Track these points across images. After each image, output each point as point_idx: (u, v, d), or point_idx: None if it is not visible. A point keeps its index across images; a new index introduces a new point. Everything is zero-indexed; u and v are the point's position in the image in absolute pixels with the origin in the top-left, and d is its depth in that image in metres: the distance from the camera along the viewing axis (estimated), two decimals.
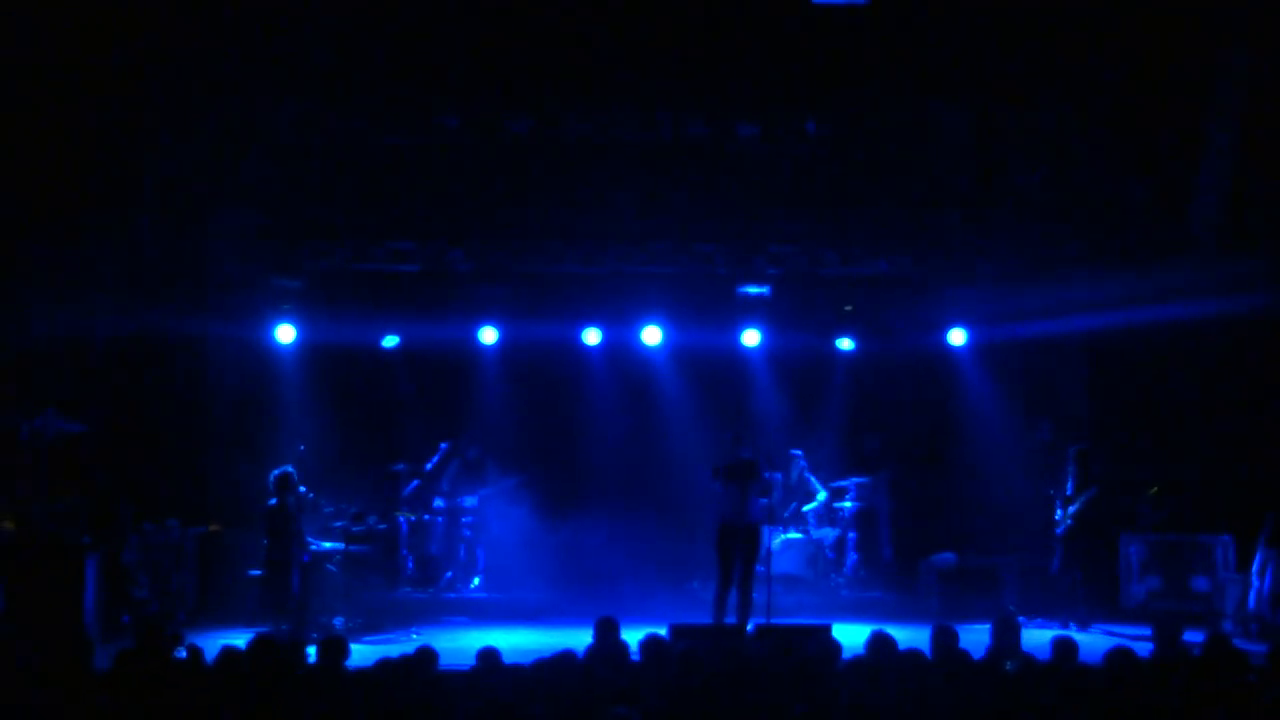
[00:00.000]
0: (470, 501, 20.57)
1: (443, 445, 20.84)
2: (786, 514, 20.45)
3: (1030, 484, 20.34)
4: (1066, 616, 18.37)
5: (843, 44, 18.48)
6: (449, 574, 20.48)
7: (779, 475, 20.71)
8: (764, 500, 17.67)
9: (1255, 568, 17.69)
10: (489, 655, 11.35)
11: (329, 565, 17.97)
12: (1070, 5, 18.35)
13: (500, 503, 20.73)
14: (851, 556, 20.92)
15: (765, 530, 19.41)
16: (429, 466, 20.73)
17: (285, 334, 20.88)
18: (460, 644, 15.82)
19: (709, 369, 22.14)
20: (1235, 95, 17.73)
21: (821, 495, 20.78)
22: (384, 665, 10.88)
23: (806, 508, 20.71)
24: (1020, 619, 14.55)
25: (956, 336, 21.66)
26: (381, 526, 19.85)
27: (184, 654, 12.06)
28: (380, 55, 18.19)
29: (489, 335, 21.52)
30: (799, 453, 20.99)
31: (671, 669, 11.43)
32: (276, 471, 17.86)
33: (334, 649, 11.55)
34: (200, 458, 20.23)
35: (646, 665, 11.87)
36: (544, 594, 19.72)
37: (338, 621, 17.55)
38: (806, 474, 20.92)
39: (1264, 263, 19.49)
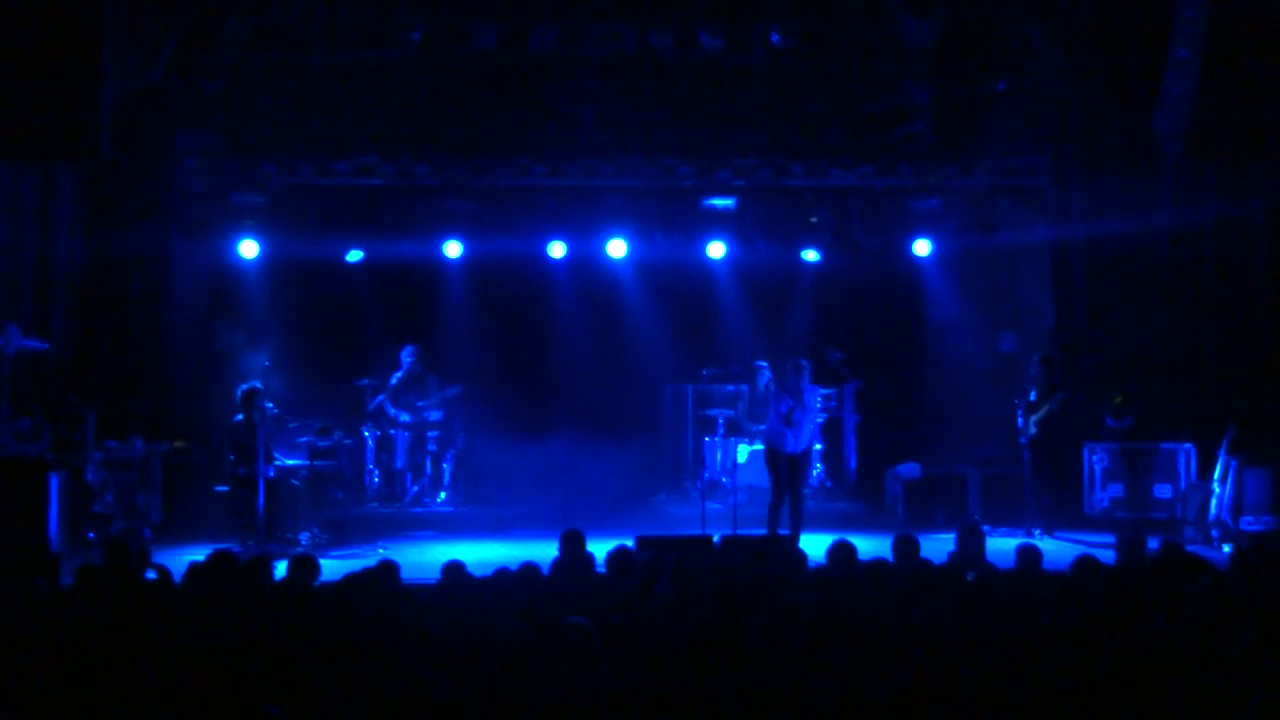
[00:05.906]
0: (435, 415, 20.55)
1: (405, 359, 20.74)
2: (755, 427, 20.48)
3: (995, 394, 20.47)
4: (1031, 524, 18.49)
5: None
6: (415, 488, 20.48)
7: (745, 387, 20.77)
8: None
9: (1217, 475, 17.78)
10: (454, 569, 11.40)
11: (294, 481, 17.98)
12: None
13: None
14: (817, 467, 20.95)
15: (732, 442, 19.65)
16: (394, 381, 20.65)
17: (249, 249, 20.80)
18: (427, 558, 15.94)
19: (674, 281, 22.20)
20: (1200, 4, 17.66)
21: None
22: (348, 580, 10.92)
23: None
24: (985, 527, 14.64)
25: (922, 248, 21.65)
26: (347, 441, 19.87)
27: (151, 571, 12.11)
28: None
29: (454, 249, 21.42)
30: (764, 364, 20.98)
31: (636, 580, 11.49)
32: (244, 387, 17.89)
33: (304, 566, 11.59)
34: (165, 374, 20.15)
35: (612, 577, 11.93)
36: (511, 508, 19.73)
37: (304, 537, 17.59)
38: (771, 386, 20.93)
39: (1229, 173, 19.54)
